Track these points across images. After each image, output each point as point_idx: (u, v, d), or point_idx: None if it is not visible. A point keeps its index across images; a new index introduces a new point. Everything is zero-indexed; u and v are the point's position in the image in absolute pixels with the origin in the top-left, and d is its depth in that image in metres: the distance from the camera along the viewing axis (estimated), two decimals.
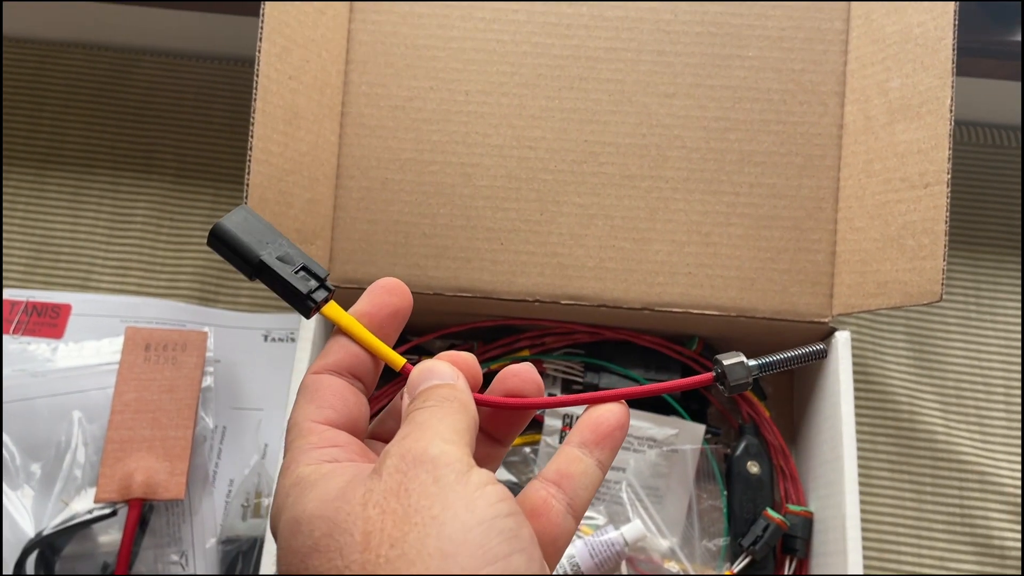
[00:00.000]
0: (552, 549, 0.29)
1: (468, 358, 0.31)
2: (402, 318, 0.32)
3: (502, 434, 0.33)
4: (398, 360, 0.32)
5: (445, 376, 0.30)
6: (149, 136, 0.73)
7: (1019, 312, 0.68)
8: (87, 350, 0.63)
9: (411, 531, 0.23)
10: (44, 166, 0.72)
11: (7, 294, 0.66)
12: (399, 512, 0.24)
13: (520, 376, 0.32)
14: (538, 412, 0.62)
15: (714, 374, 0.32)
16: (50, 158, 0.72)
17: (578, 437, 0.31)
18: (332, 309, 0.31)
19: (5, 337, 0.64)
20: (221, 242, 0.31)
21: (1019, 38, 0.64)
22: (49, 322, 0.65)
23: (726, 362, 0.31)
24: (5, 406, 0.60)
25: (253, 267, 0.31)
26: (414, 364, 0.31)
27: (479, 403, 0.30)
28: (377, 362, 0.32)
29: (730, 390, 0.32)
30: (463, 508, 0.24)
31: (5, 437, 0.60)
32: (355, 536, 0.24)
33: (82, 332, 0.65)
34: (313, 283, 0.31)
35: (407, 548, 0.23)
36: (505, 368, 0.32)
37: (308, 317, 0.31)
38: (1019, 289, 0.69)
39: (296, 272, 0.31)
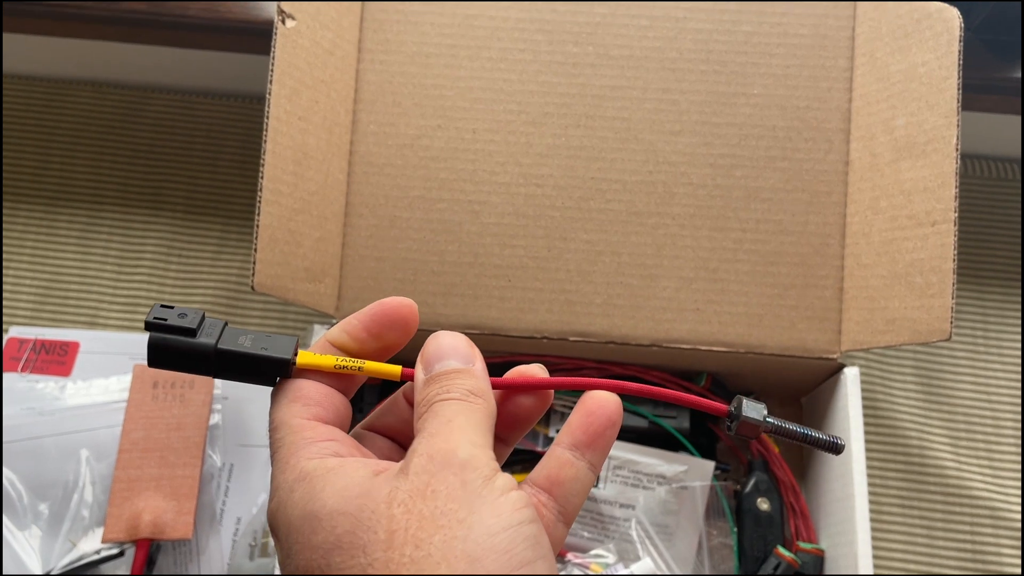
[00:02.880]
0: None
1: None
2: (392, 353, 0.31)
3: (507, 432, 0.32)
4: (394, 371, 0.30)
5: (464, 356, 0.29)
6: (159, 173, 0.74)
7: None
8: (95, 388, 0.63)
9: (437, 533, 0.23)
10: (53, 204, 0.72)
11: (15, 332, 0.66)
12: (425, 513, 0.24)
13: (530, 372, 0.31)
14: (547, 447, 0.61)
15: (729, 409, 0.31)
16: (59, 196, 0.73)
17: (569, 437, 0.30)
18: (306, 359, 0.30)
19: (13, 375, 0.64)
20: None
21: (1019, 74, 0.64)
22: (57, 360, 0.65)
23: (745, 405, 0.31)
24: (13, 445, 0.60)
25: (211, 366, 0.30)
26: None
27: (495, 386, 0.30)
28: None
29: (736, 431, 0.31)
30: (489, 513, 0.24)
31: (13, 476, 0.60)
32: (379, 534, 0.24)
33: (90, 370, 0.65)
34: (273, 363, 0.30)
35: (433, 550, 0.23)
36: (514, 368, 0.31)
37: (289, 375, 0.30)
38: None
39: (251, 369, 0.30)
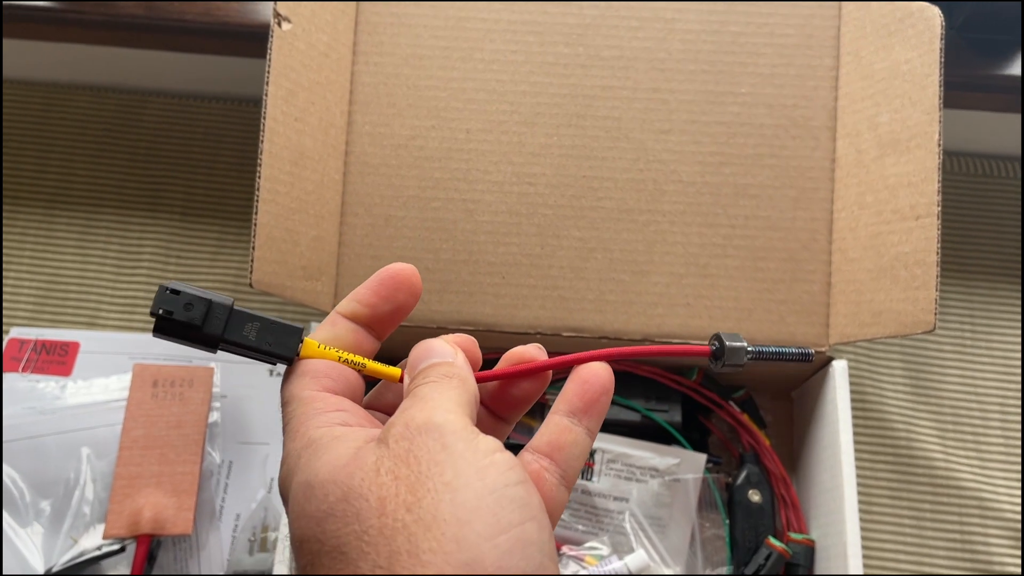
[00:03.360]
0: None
1: (467, 339, 0.32)
2: (404, 314, 0.32)
3: (506, 411, 0.33)
4: (394, 372, 0.31)
5: (444, 354, 0.30)
6: (157, 176, 0.75)
7: (1014, 338, 0.69)
8: (95, 387, 0.64)
9: (425, 496, 0.24)
10: (52, 206, 0.73)
11: (16, 332, 0.67)
12: (411, 478, 0.24)
13: (527, 354, 0.32)
14: (545, 395, 0.62)
15: (712, 348, 0.33)
16: (58, 198, 0.73)
17: (565, 405, 0.31)
18: (309, 349, 0.31)
19: (15, 375, 0.65)
20: (170, 332, 0.30)
21: (1004, 72, 0.66)
22: (57, 360, 0.66)
23: (725, 337, 0.32)
24: (15, 444, 0.61)
25: (213, 348, 0.31)
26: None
27: (479, 379, 0.31)
28: (366, 341, 0.32)
29: (724, 364, 0.33)
30: (474, 475, 0.24)
31: (15, 474, 0.60)
32: (371, 501, 0.24)
33: (90, 369, 0.66)
34: (279, 338, 0.31)
35: (422, 513, 0.24)
36: (511, 349, 0.32)
37: (292, 361, 0.31)
38: (1014, 315, 0.70)
39: (257, 337, 0.31)
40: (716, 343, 0.33)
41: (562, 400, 0.31)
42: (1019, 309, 0.70)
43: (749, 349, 0.32)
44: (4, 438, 0.61)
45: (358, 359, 0.31)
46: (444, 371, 0.29)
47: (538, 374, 0.32)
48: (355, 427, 0.28)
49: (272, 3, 0.53)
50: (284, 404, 0.30)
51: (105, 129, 0.76)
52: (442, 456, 0.25)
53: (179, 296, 0.30)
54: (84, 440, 0.62)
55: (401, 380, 0.31)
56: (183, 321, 0.30)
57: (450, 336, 0.31)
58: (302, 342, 0.31)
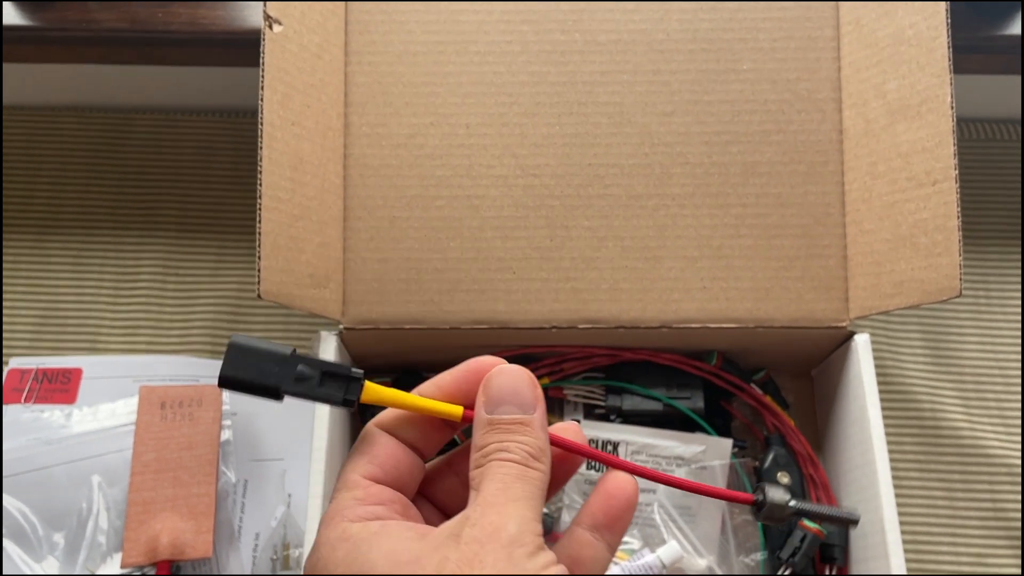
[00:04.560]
0: None
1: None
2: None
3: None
4: (455, 411, 0.31)
5: (525, 402, 0.30)
6: (149, 193, 0.73)
7: None
8: (102, 413, 0.63)
9: None
10: (44, 231, 0.71)
11: (15, 363, 0.65)
12: None
13: (570, 432, 0.32)
14: (563, 390, 0.61)
15: (755, 499, 0.34)
16: (49, 223, 0.72)
17: (589, 519, 0.31)
18: (370, 393, 0.31)
19: (18, 407, 0.63)
20: (235, 386, 0.30)
21: (1006, 33, 0.65)
22: (60, 388, 0.64)
23: (769, 491, 0.34)
24: (23, 476, 0.59)
25: (278, 398, 0.31)
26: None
27: (553, 443, 0.31)
28: (439, 424, 0.32)
29: (763, 519, 0.34)
30: None
31: (25, 508, 0.59)
32: None
33: (95, 395, 0.64)
34: (340, 384, 0.31)
35: None
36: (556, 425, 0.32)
37: (352, 407, 0.31)
38: None
39: (320, 385, 0.30)
40: (759, 495, 0.34)
41: (586, 513, 0.31)
42: None
43: (791, 505, 0.34)
44: (11, 472, 0.59)
45: (416, 400, 0.31)
46: (529, 446, 0.29)
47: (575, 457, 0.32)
48: (390, 521, 0.29)
49: (260, 4, 0.52)
50: (338, 478, 0.31)
51: (93, 150, 0.74)
52: (505, 565, 0.26)
53: (244, 350, 0.30)
54: (94, 468, 0.60)
55: (464, 420, 0.31)
56: (247, 379, 0.30)
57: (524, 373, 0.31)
58: (363, 387, 0.31)
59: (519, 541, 0.26)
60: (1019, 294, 0.69)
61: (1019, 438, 0.65)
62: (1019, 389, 0.66)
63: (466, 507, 0.28)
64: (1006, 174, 0.73)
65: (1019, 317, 0.68)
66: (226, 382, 0.30)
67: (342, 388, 0.30)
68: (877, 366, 0.64)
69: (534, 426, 0.29)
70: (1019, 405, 0.66)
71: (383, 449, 0.31)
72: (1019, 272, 0.70)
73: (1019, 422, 0.65)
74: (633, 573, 0.56)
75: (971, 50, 0.65)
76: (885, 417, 0.55)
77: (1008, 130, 0.75)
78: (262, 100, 0.51)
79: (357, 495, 0.30)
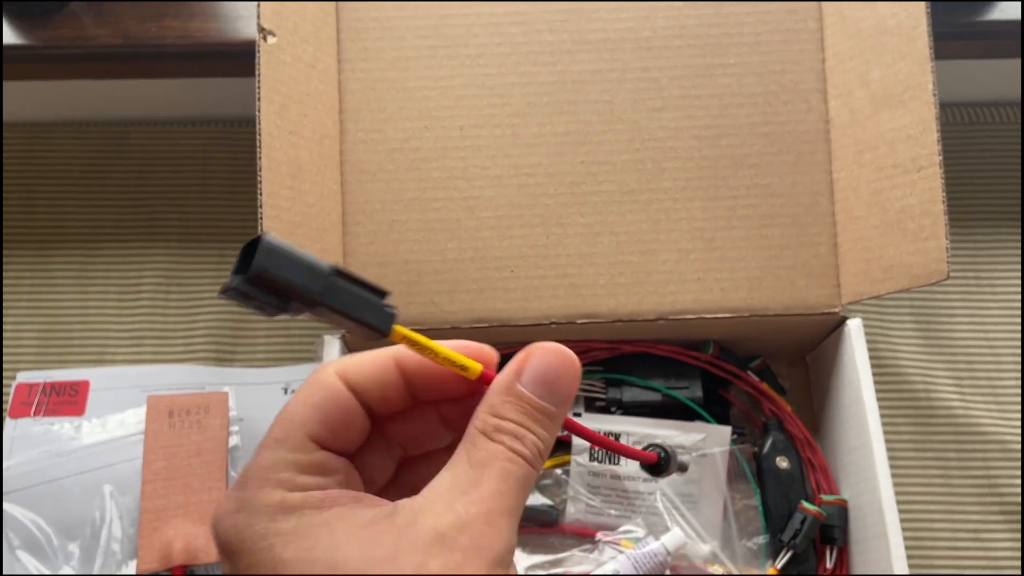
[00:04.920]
0: None
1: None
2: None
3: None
4: (474, 367, 0.27)
5: (563, 395, 0.27)
6: (149, 205, 0.74)
7: (1018, 281, 0.70)
8: (111, 424, 0.64)
9: None
10: (46, 246, 0.72)
11: (23, 377, 0.66)
12: None
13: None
14: (565, 432, 0.62)
15: (658, 456, 0.34)
16: (51, 238, 0.73)
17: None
18: (398, 332, 0.27)
19: (28, 420, 0.64)
20: (266, 284, 0.25)
21: (985, 19, 0.66)
22: (69, 400, 0.65)
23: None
24: (35, 489, 0.60)
25: (312, 305, 0.25)
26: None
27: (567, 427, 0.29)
28: (403, 389, 0.28)
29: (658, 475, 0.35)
30: None
31: (39, 519, 0.60)
32: None
33: (103, 406, 0.65)
34: (374, 312, 0.26)
35: None
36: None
37: (388, 333, 0.26)
38: (1016, 259, 0.71)
39: (355, 306, 0.26)
40: (662, 452, 0.34)
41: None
42: (1021, 252, 0.71)
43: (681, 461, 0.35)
44: (24, 484, 0.60)
45: (436, 346, 0.27)
46: (543, 445, 0.26)
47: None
48: (347, 501, 0.25)
49: (252, 16, 0.53)
50: (278, 421, 0.26)
51: (91, 164, 0.75)
52: (482, 571, 0.24)
53: (276, 251, 0.25)
54: (105, 478, 0.61)
55: (481, 379, 0.27)
56: (281, 278, 0.25)
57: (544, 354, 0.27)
58: (394, 317, 0.26)
59: (503, 563, 0.24)
60: (1009, 274, 0.70)
61: (1013, 415, 0.66)
62: (1011, 367, 0.67)
63: (447, 468, 0.26)
64: (991, 156, 0.75)
65: (1009, 297, 0.70)
66: (258, 279, 0.24)
67: (376, 316, 0.26)
68: (870, 350, 0.65)
69: (556, 424, 0.27)
70: (1011, 383, 0.67)
71: (338, 407, 0.27)
72: (1009, 253, 0.71)
73: (1012, 400, 0.66)
74: (639, 561, 0.58)
75: (951, 36, 0.66)
76: (880, 399, 0.57)
77: (991, 113, 0.76)
78: (259, 111, 0.52)
79: (299, 459, 0.25)
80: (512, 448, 0.26)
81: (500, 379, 0.27)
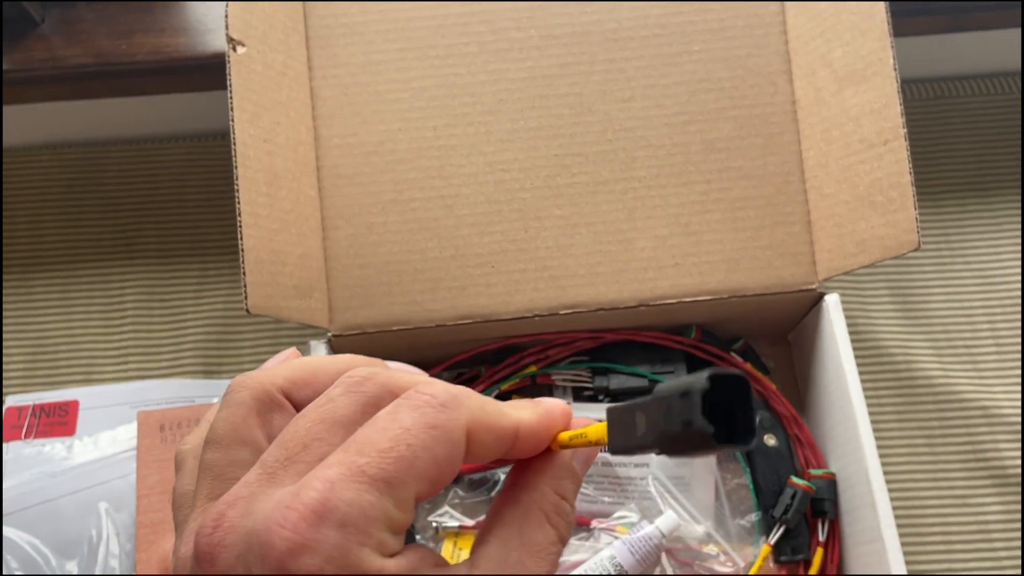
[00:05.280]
0: None
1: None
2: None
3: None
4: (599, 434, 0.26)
5: (584, 467, 0.27)
6: (128, 224, 0.74)
7: (989, 249, 0.71)
8: (103, 441, 0.64)
9: None
10: (27, 269, 0.72)
11: (12, 401, 0.66)
12: None
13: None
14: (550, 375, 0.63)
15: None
16: (32, 260, 0.73)
17: None
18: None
19: (19, 443, 0.64)
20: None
21: None
22: (59, 421, 0.65)
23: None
24: (31, 511, 0.60)
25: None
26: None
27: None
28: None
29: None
30: None
31: (36, 541, 0.60)
32: None
33: (94, 425, 0.65)
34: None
35: None
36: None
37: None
38: (985, 227, 0.72)
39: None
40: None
41: None
42: (990, 221, 0.72)
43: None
44: (19, 506, 0.60)
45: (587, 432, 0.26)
46: (566, 519, 0.26)
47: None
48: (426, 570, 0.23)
49: (221, 30, 0.53)
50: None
51: (68, 186, 0.75)
52: None
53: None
54: (100, 495, 0.61)
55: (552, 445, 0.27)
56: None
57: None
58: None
59: None
60: (980, 244, 0.72)
61: (992, 381, 0.67)
62: (987, 334, 0.69)
63: (499, 537, 0.25)
64: (956, 130, 0.76)
65: (982, 266, 0.71)
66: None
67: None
68: (849, 324, 0.66)
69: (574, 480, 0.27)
70: (988, 350, 0.68)
71: (453, 467, 0.24)
72: (978, 223, 0.73)
73: (990, 366, 0.68)
74: (635, 545, 0.58)
75: (911, 14, 0.67)
76: (861, 372, 0.58)
77: (953, 87, 0.77)
78: (232, 120, 0.53)
79: (398, 518, 0.22)
80: (562, 537, 0.25)
81: (564, 454, 0.26)
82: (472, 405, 0.24)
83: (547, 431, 0.26)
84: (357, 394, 0.24)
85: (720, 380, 0.20)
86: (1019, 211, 0.73)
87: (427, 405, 0.23)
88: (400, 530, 0.22)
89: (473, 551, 0.24)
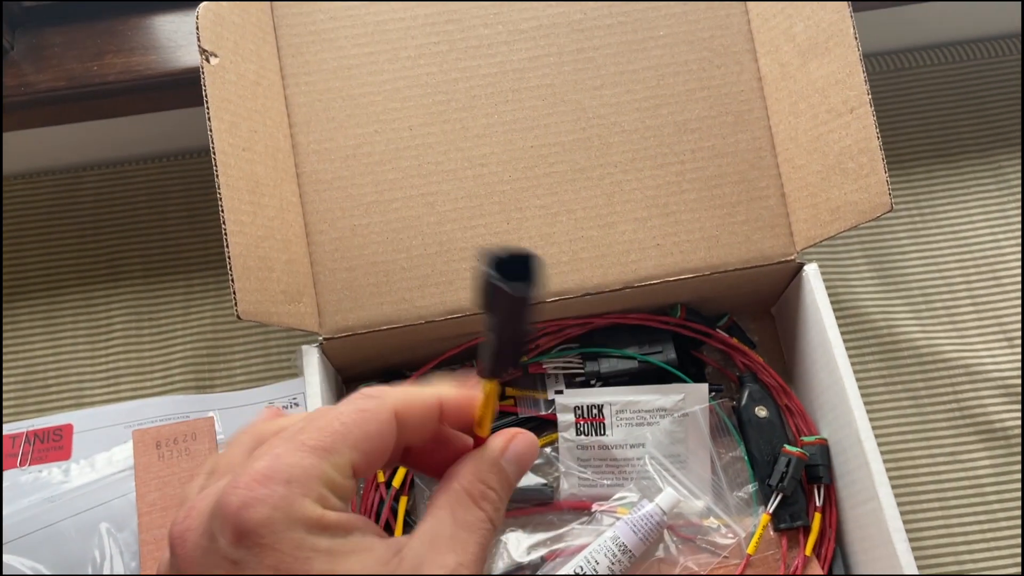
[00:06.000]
0: None
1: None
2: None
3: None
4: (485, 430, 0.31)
5: (516, 467, 0.31)
6: (109, 247, 0.74)
7: (958, 211, 0.73)
8: (99, 463, 0.64)
9: None
10: (10, 299, 0.72)
11: (5, 429, 0.66)
12: None
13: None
14: (550, 411, 0.64)
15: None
16: (14, 289, 0.72)
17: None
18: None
19: (15, 471, 0.64)
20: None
21: None
22: (54, 446, 0.65)
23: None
24: (32, 536, 0.60)
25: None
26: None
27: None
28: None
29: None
30: None
31: (39, 566, 0.60)
32: None
33: (90, 447, 0.65)
34: None
35: None
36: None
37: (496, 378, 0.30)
38: (954, 191, 0.74)
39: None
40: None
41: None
42: (958, 184, 0.74)
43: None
44: (20, 533, 0.60)
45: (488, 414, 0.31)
46: (495, 504, 0.29)
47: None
48: (369, 534, 0.27)
49: (192, 45, 0.54)
50: (310, 431, 0.27)
51: (46, 213, 0.75)
52: None
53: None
54: (100, 516, 0.61)
55: (477, 440, 0.31)
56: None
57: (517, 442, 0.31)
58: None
59: None
60: (950, 206, 0.73)
61: (971, 339, 0.69)
62: (964, 293, 0.70)
63: (432, 516, 0.28)
64: (918, 99, 0.78)
65: (954, 227, 0.73)
66: (524, 300, 0.26)
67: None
68: (829, 294, 0.68)
69: (502, 496, 0.30)
70: (966, 308, 0.70)
71: (385, 445, 0.28)
72: (947, 187, 0.74)
73: (969, 324, 0.69)
74: (637, 525, 0.59)
75: None
76: (845, 339, 0.59)
77: (913, 58, 0.79)
78: (211, 131, 0.53)
79: (337, 480, 0.26)
80: (491, 518, 0.29)
81: (489, 452, 0.30)
82: (396, 393, 0.29)
83: (467, 399, 0.30)
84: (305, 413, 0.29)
85: (510, 259, 0.26)
86: (984, 173, 0.75)
87: (358, 397, 0.28)
88: (342, 493, 0.26)
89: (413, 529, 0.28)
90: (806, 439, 0.61)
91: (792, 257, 0.61)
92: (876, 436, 0.62)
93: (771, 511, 0.60)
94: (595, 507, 0.62)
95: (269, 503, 0.25)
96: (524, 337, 0.28)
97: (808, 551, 0.59)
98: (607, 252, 0.61)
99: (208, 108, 0.53)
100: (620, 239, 0.61)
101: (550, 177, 0.61)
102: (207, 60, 0.54)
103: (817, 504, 0.60)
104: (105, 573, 0.60)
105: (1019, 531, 0.63)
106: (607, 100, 0.62)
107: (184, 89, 0.66)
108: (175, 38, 0.66)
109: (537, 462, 0.64)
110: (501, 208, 0.61)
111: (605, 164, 0.61)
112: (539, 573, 0.60)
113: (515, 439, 0.31)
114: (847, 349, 0.58)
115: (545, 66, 0.62)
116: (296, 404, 0.68)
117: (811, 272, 0.61)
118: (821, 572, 0.59)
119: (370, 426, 0.27)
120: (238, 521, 0.24)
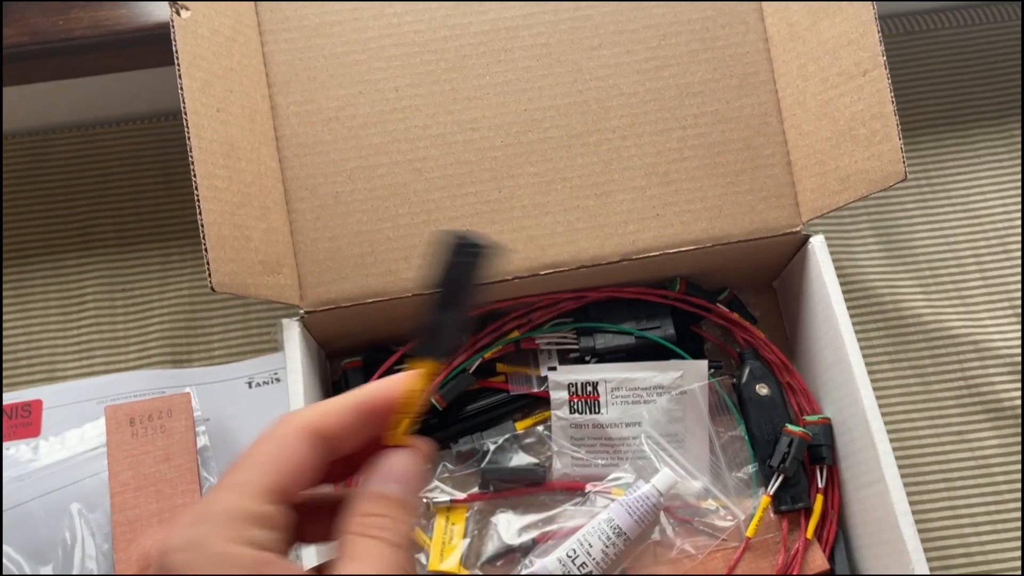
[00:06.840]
0: None
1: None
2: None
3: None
4: (397, 436, 0.30)
5: (404, 485, 0.29)
6: (80, 213, 0.71)
7: (969, 182, 0.70)
8: (70, 440, 0.61)
9: None
10: None
11: None
12: None
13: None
14: (542, 388, 0.61)
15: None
16: None
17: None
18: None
19: None
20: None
21: None
22: (23, 422, 0.62)
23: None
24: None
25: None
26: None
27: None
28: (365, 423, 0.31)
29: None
30: None
31: (8, 548, 0.57)
32: None
33: (60, 424, 0.62)
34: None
35: None
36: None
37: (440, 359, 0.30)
38: (964, 160, 0.71)
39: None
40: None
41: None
42: (970, 154, 0.71)
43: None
44: None
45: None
46: (389, 527, 0.28)
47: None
48: (281, 562, 0.27)
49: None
50: (238, 466, 0.28)
51: (13, 178, 0.72)
52: None
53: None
54: (71, 496, 0.59)
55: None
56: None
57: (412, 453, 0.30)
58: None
59: None
60: (961, 177, 0.71)
61: (981, 315, 0.66)
62: (973, 268, 0.68)
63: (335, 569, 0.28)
64: (930, 64, 0.75)
65: (961, 199, 0.70)
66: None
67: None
68: (835, 267, 0.65)
69: (403, 508, 0.29)
70: (976, 283, 0.67)
71: (300, 461, 0.28)
72: (957, 157, 0.71)
73: (978, 299, 0.67)
74: (632, 506, 0.57)
75: None
76: (850, 314, 0.56)
77: (928, 20, 0.76)
78: (182, 89, 0.50)
79: (254, 510, 0.27)
80: (393, 540, 0.28)
81: (371, 481, 0.30)
82: (310, 410, 0.29)
83: (386, 388, 0.30)
84: None
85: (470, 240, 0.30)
86: (997, 143, 0.72)
87: (274, 423, 0.29)
88: (268, 522, 0.27)
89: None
90: (809, 418, 0.59)
91: (798, 228, 0.58)
92: (881, 414, 0.60)
93: (772, 492, 0.58)
94: (589, 488, 0.60)
95: (185, 546, 0.26)
96: (467, 310, 0.30)
97: (809, 534, 0.57)
98: (604, 222, 0.58)
99: (179, 65, 0.50)
100: (618, 209, 0.58)
101: (544, 143, 0.58)
102: (177, 13, 0.50)
103: (819, 485, 0.58)
104: (77, 555, 0.57)
105: None
106: (605, 61, 0.58)
107: (157, 46, 0.62)
108: None
109: (528, 441, 0.61)
110: (492, 175, 0.58)
111: (603, 129, 0.58)
112: (530, 556, 0.58)
113: (389, 459, 0.30)
114: (853, 323, 0.55)
115: (540, 24, 0.58)
116: (277, 379, 0.65)
117: (817, 244, 0.58)
118: (822, 555, 0.57)
119: (280, 450, 0.28)
120: (162, 564, 0.26)
